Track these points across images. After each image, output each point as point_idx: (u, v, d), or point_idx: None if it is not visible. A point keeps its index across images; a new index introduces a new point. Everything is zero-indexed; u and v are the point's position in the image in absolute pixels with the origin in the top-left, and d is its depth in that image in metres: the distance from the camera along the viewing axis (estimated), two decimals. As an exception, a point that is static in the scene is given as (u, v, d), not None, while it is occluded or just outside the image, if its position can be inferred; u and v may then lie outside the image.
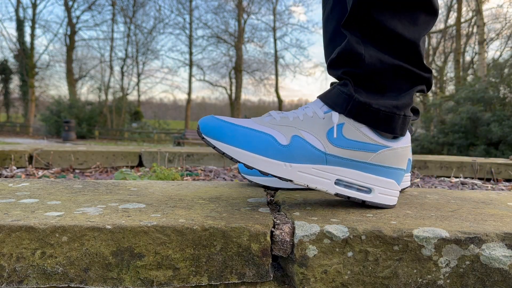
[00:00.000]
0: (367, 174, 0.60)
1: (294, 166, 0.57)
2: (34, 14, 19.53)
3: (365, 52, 0.60)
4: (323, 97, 0.63)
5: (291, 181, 0.58)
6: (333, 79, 0.81)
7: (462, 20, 15.37)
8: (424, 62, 0.62)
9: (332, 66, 0.65)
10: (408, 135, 0.65)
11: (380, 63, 0.60)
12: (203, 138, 0.58)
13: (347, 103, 0.60)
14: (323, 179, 0.58)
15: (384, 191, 0.61)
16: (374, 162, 0.60)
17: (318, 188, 0.59)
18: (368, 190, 0.60)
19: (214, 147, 0.57)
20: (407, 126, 0.63)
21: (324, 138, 0.59)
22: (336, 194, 0.59)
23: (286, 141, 0.58)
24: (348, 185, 0.60)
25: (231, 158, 0.57)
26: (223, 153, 0.57)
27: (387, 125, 0.60)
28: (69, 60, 19.76)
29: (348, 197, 0.59)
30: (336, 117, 0.59)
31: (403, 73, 0.61)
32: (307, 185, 0.58)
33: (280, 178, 0.57)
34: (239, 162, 0.57)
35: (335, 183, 0.59)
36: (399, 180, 0.63)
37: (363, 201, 0.60)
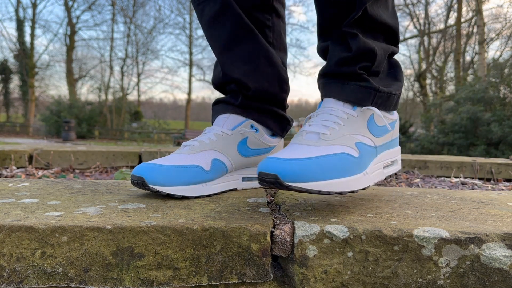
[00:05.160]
0: (392, 150, 0.66)
1: (368, 171, 0.57)
2: (34, 14, 19.51)
3: (375, 46, 0.64)
4: (341, 96, 0.63)
5: (367, 187, 0.57)
6: None
7: (462, 20, 15.37)
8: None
9: (346, 64, 0.65)
10: None
11: (383, 51, 0.66)
12: (288, 187, 0.49)
13: (373, 96, 0.63)
14: (378, 170, 0.62)
15: (399, 157, 0.69)
16: (393, 138, 0.67)
17: (378, 181, 0.61)
18: (392, 163, 0.66)
19: (307, 191, 0.50)
20: None
21: (368, 133, 0.62)
22: (385, 178, 0.64)
23: (356, 152, 0.57)
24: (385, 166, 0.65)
25: (319, 192, 0.51)
26: (319, 192, 0.50)
27: (396, 105, 0.68)
28: (69, 60, 19.75)
29: (390, 176, 0.68)
30: (376, 110, 0.62)
31: (389, 54, 0.69)
32: (371, 184, 0.59)
33: (363, 189, 0.56)
34: (332, 193, 0.52)
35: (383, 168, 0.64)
36: None
37: (396, 174, 0.67)
